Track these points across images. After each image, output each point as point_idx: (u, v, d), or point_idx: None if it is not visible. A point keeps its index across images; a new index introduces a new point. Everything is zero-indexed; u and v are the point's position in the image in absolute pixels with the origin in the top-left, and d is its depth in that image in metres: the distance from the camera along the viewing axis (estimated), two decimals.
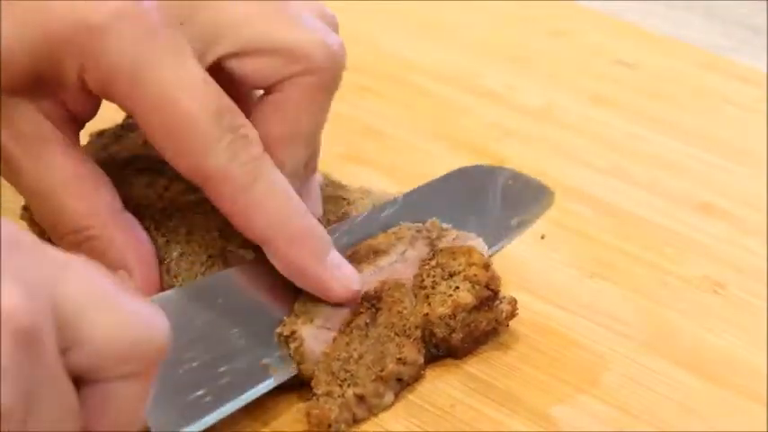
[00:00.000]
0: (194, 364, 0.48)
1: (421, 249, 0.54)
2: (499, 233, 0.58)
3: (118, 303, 0.38)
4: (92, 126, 0.58)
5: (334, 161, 0.62)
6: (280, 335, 0.50)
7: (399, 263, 0.53)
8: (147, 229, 0.54)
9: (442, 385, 0.51)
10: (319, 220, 0.54)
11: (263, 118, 0.52)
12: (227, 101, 0.50)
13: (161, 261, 0.53)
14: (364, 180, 0.60)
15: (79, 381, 0.38)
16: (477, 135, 0.67)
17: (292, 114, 0.52)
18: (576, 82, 0.73)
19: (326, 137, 0.65)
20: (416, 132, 0.67)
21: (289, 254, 0.51)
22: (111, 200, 0.52)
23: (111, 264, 0.51)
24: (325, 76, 0.52)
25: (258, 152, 0.50)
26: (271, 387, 0.49)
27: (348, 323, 0.51)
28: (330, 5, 0.78)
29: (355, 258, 0.52)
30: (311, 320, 0.50)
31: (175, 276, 0.53)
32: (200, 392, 0.47)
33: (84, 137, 0.59)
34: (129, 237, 0.52)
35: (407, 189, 0.59)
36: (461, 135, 0.67)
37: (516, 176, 0.61)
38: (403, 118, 0.69)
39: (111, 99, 0.50)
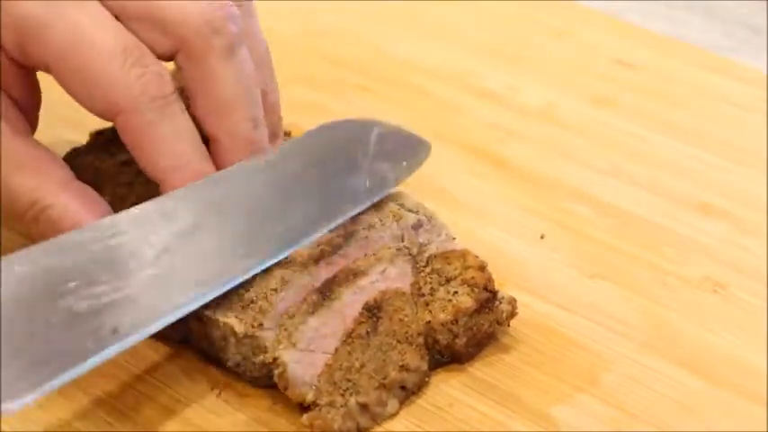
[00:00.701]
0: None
1: (402, 266, 0.53)
2: (376, 185, 0.56)
3: None
4: (92, 126, 0.58)
5: None
6: (262, 362, 0.50)
7: (380, 282, 0.52)
8: None
9: (441, 385, 0.51)
10: None
11: (189, 96, 0.53)
12: (135, 40, 0.51)
13: None
14: None
15: None
16: (477, 135, 0.67)
17: (205, 85, 0.53)
18: (576, 82, 0.73)
19: None
20: (417, 132, 0.67)
21: None
22: (60, 171, 0.52)
23: (67, 231, 0.51)
24: (204, 41, 0.52)
25: (169, 90, 0.51)
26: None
27: (349, 333, 0.50)
28: (331, 6, 0.78)
29: (335, 282, 0.52)
30: (294, 345, 0.49)
31: None
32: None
33: (85, 136, 0.59)
34: (83, 202, 0.52)
35: (407, 189, 0.59)
36: (461, 135, 0.67)
37: (390, 130, 0.60)
38: (403, 118, 0.68)
39: (29, 57, 0.51)
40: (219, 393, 0.51)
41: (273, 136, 0.57)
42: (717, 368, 0.53)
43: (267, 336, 0.50)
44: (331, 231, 0.53)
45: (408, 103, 0.70)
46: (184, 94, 0.53)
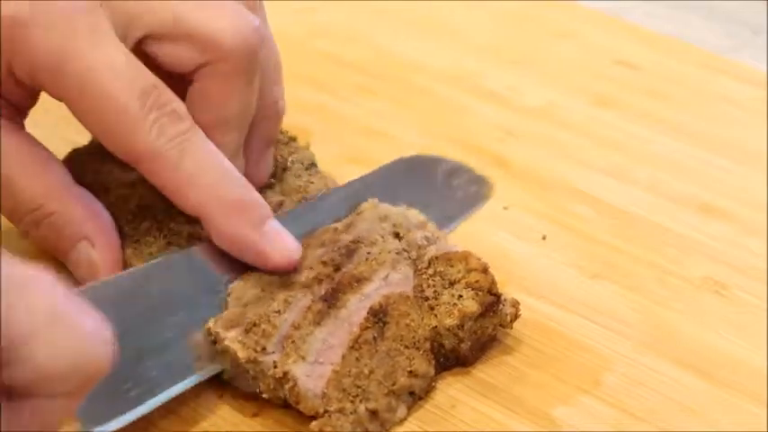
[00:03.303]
0: (124, 356, 0.47)
1: (404, 270, 0.53)
2: (441, 223, 0.57)
3: (67, 323, 0.38)
4: None
5: (333, 161, 0.62)
6: (272, 376, 0.49)
7: (384, 288, 0.51)
8: (148, 229, 0.54)
9: (443, 386, 0.51)
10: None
11: (192, 107, 0.53)
12: (151, 79, 0.50)
13: None
14: None
15: (10, 392, 0.38)
16: (478, 136, 0.67)
17: (215, 102, 0.53)
18: (577, 82, 0.73)
19: (326, 137, 0.65)
20: (417, 133, 0.67)
21: (225, 226, 0.51)
22: (63, 176, 0.52)
23: (71, 237, 0.52)
24: (238, 62, 0.52)
25: (186, 126, 0.51)
26: (195, 383, 0.49)
27: (356, 338, 0.50)
28: (331, 5, 0.78)
29: (339, 289, 0.51)
30: (303, 358, 0.49)
31: None
32: (127, 386, 0.47)
33: (85, 136, 0.59)
34: (86, 209, 0.52)
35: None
36: (463, 136, 0.67)
37: (458, 167, 0.62)
38: (404, 118, 0.69)
39: (42, 88, 0.51)
40: (221, 395, 0.51)
41: (270, 142, 0.57)
42: (717, 368, 0.53)
43: (270, 360, 0.49)
44: (333, 251, 0.53)
45: (410, 104, 0.70)
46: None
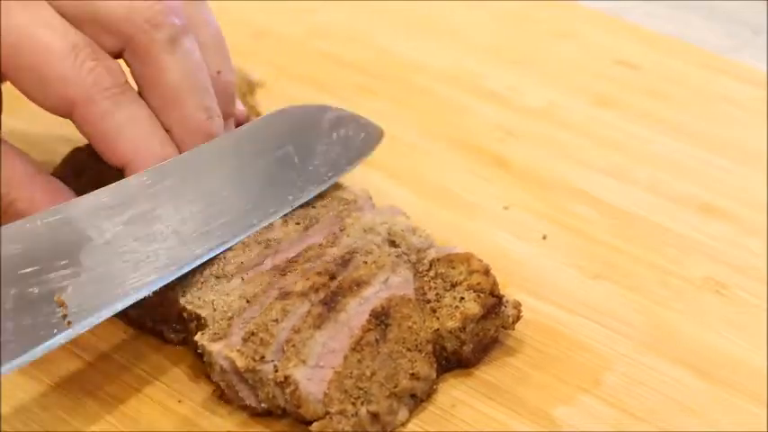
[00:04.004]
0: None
1: (404, 274, 0.53)
2: (331, 170, 0.57)
3: None
4: None
5: None
6: (273, 381, 0.48)
7: (384, 291, 0.51)
8: None
9: (443, 385, 0.51)
10: None
11: (140, 92, 0.54)
12: (84, 37, 0.52)
13: None
14: (365, 180, 0.60)
15: None
16: (478, 136, 0.67)
17: (151, 79, 0.54)
18: (578, 83, 0.73)
19: None
20: (418, 133, 0.67)
21: None
22: (26, 166, 0.53)
23: None
24: (151, 38, 0.53)
25: (122, 80, 0.52)
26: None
27: (358, 340, 0.50)
28: (331, 5, 0.78)
29: (339, 293, 0.51)
30: (303, 362, 0.48)
31: None
32: None
33: None
34: (48, 194, 0.52)
35: (408, 189, 0.59)
36: (463, 135, 0.67)
37: (344, 116, 0.60)
38: (404, 118, 0.69)
39: None
40: (221, 394, 0.51)
41: (225, 116, 0.57)
42: (718, 368, 0.53)
43: (269, 369, 0.49)
44: (328, 261, 0.53)
45: (410, 104, 0.70)
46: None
